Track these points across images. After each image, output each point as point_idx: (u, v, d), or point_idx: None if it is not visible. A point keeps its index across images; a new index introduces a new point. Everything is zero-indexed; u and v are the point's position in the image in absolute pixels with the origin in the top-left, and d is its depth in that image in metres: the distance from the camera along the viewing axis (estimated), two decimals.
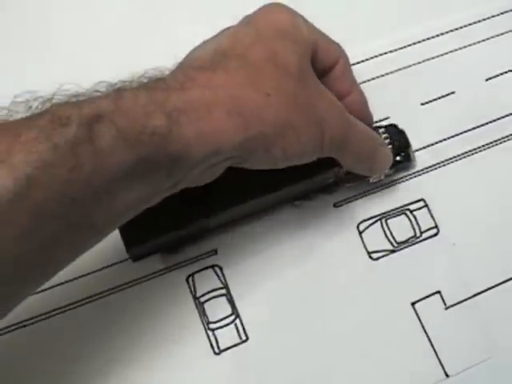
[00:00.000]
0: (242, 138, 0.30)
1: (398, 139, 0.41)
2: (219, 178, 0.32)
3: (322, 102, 0.33)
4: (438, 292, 0.40)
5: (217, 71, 0.30)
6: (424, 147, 0.43)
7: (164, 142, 0.28)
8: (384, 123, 0.42)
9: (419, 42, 0.46)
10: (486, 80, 0.45)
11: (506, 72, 0.45)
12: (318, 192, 0.41)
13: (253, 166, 0.32)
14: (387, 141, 0.41)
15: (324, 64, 0.36)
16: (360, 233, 0.41)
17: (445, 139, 0.43)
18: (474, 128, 0.44)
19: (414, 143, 0.42)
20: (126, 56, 0.36)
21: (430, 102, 0.44)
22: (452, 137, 0.43)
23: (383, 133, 0.41)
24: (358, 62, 0.45)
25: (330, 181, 0.40)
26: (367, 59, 0.45)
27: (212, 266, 0.40)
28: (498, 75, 0.45)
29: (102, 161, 0.26)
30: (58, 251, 0.28)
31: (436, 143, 0.43)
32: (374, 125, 0.41)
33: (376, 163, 0.38)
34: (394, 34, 0.46)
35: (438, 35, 0.46)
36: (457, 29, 0.47)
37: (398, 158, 0.41)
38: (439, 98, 0.44)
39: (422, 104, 0.44)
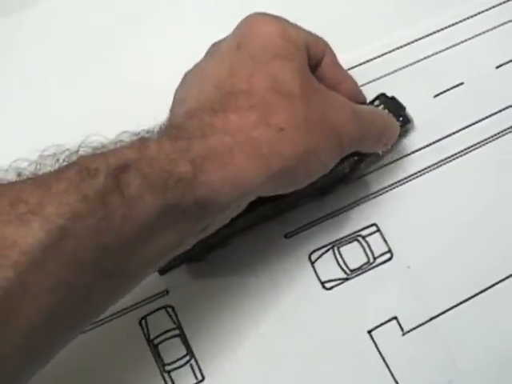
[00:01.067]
0: (265, 176, 0.31)
1: (393, 106, 0.42)
2: None
3: (330, 108, 0.34)
4: (395, 318, 0.39)
5: (229, 114, 0.31)
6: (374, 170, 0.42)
7: (190, 188, 0.29)
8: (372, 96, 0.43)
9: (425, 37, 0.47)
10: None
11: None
12: (337, 184, 0.41)
13: (281, 192, 0.34)
14: (386, 111, 0.41)
15: (315, 59, 0.37)
16: (312, 263, 0.40)
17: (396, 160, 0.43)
18: (418, 149, 0.43)
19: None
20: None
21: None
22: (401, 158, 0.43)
23: (378, 105, 0.41)
24: (365, 62, 0.46)
25: (346, 170, 0.40)
26: (375, 57, 0.46)
27: (164, 307, 0.39)
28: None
29: (130, 209, 0.27)
30: (93, 300, 0.28)
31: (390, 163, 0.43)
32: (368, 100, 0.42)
33: (387, 136, 0.39)
34: (399, 30, 0.47)
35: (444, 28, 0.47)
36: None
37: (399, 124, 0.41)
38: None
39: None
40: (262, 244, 0.41)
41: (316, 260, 0.41)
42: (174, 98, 0.35)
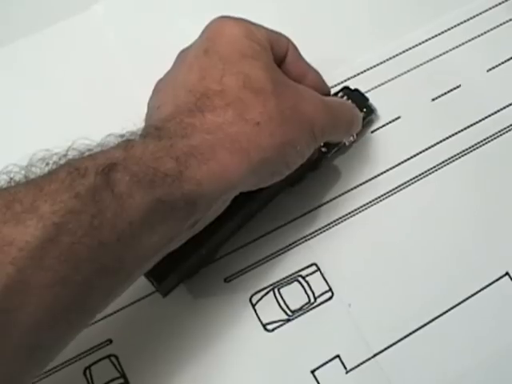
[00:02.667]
0: (247, 169, 0.32)
1: (356, 98, 0.44)
2: None
3: (301, 100, 0.35)
4: (338, 356, 0.39)
5: (206, 113, 0.32)
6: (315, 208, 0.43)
7: (177, 184, 0.30)
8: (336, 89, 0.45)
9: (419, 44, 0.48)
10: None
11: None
12: (307, 171, 0.42)
13: (263, 186, 0.35)
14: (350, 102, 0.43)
15: (279, 55, 0.38)
16: (253, 305, 0.40)
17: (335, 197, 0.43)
18: (351, 189, 0.44)
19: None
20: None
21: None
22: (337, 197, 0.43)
23: (342, 97, 0.44)
24: (362, 72, 0.48)
25: (314, 157, 0.41)
26: (370, 68, 0.48)
27: (108, 356, 0.39)
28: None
29: (121, 205, 0.28)
30: (91, 296, 0.29)
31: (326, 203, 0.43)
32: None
33: (353, 125, 0.41)
34: (395, 39, 0.48)
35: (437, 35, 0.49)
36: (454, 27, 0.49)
37: (363, 115, 0.43)
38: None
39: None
40: (201, 290, 0.41)
41: (257, 302, 0.41)
42: (148, 107, 0.36)
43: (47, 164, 0.29)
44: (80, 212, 0.27)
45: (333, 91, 0.45)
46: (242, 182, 0.33)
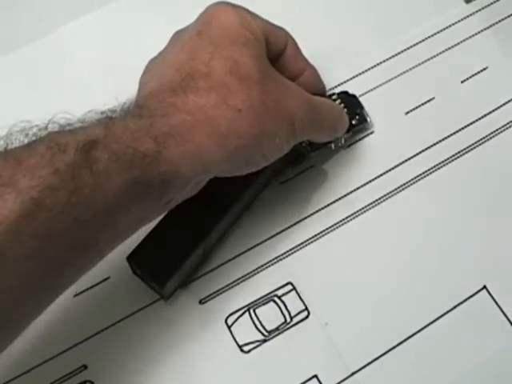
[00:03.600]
0: (223, 153, 0.33)
1: (351, 104, 0.44)
2: (206, 188, 0.36)
3: (285, 95, 0.35)
4: (315, 376, 0.39)
5: (189, 94, 0.33)
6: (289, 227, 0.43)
7: (154, 164, 0.30)
8: (336, 91, 0.45)
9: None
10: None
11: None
12: (288, 166, 0.43)
13: (238, 174, 0.35)
14: (341, 106, 0.43)
15: (276, 48, 0.38)
16: (229, 327, 0.40)
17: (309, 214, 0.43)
18: (325, 206, 0.43)
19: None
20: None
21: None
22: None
23: (336, 99, 0.43)
24: (340, 84, 0.47)
25: (296, 153, 0.41)
26: (345, 81, 0.47)
27: (83, 382, 0.39)
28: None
29: (99, 183, 0.28)
30: (63, 272, 0.29)
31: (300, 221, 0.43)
32: (328, 93, 0.44)
33: (337, 129, 0.41)
34: (367, 53, 0.48)
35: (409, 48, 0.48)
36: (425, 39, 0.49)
37: (353, 122, 0.43)
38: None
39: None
40: (176, 312, 0.40)
41: (233, 323, 0.40)
42: (139, 83, 0.36)
43: (26, 135, 0.29)
44: (58, 188, 0.27)
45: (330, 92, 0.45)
46: (216, 166, 0.33)
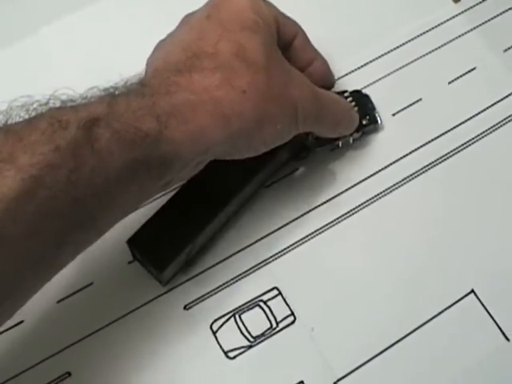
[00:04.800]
0: (225, 135, 0.32)
1: (363, 103, 0.43)
2: (203, 176, 0.36)
3: (291, 83, 0.35)
4: (301, 382, 0.39)
5: (194, 74, 0.32)
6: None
7: (156, 144, 0.30)
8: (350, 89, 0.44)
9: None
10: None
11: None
12: (291, 160, 0.43)
13: (237, 157, 0.35)
14: (352, 104, 0.43)
15: (286, 37, 0.38)
16: (214, 333, 0.40)
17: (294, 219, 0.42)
18: (310, 210, 0.43)
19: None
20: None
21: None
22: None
23: (347, 97, 0.43)
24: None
25: (299, 146, 0.42)
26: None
27: None
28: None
29: (100, 161, 0.28)
30: (62, 249, 0.29)
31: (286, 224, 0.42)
32: (339, 90, 0.44)
33: (344, 126, 0.41)
34: (354, 53, 0.48)
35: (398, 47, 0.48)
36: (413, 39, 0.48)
37: (364, 122, 0.43)
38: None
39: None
40: (161, 317, 0.40)
41: (218, 329, 0.40)
42: (146, 64, 0.36)
43: (27, 111, 0.29)
44: (59, 166, 0.27)
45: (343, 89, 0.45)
46: (217, 147, 0.33)
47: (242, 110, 0.33)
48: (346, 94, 0.43)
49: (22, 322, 0.39)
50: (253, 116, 0.33)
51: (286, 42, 0.39)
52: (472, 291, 0.41)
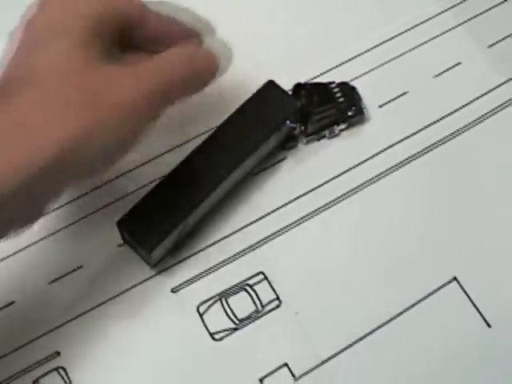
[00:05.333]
0: (43, 162, 0.29)
1: (349, 95, 0.44)
2: (193, 162, 0.39)
3: (108, 85, 0.32)
4: (286, 364, 0.39)
5: (8, 98, 0.30)
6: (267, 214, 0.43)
7: None
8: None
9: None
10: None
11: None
12: (279, 149, 0.44)
13: (77, 181, 0.33)
14: (338, 94, 0.44)
15: (122, 25, 0.35)
16: (201, 315, 0.40)
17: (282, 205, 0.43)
18: (297, 197, 0.44)
19: None
20: None
21: None
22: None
23: (334, 88, 0.44)
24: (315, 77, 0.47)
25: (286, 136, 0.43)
26: (318, 75, 0.47)
27: (56, 369, 0.39)
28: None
29: None
30: None
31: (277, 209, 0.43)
32: (326, 81, 0.45)
33: (203, 78, 0.37)
34: (344, 46, 0.49)
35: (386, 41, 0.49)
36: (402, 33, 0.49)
37: (349, 113, 0.44)
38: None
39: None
40: (148, 300, 0.41)
41: (204, 312, 0.41)
42: None
43: None
44: None
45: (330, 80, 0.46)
46: (45, 177, 0.30)
47: (56, 133, 0.30)
48: (332, 85, 0.44)
49: (13, 302, 0.40)
50: (71, 135, 0.30)
51: (128, 29, 0.35)
52: (454, 278, 0.42)
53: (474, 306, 0.42)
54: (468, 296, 0.42)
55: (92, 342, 0.40)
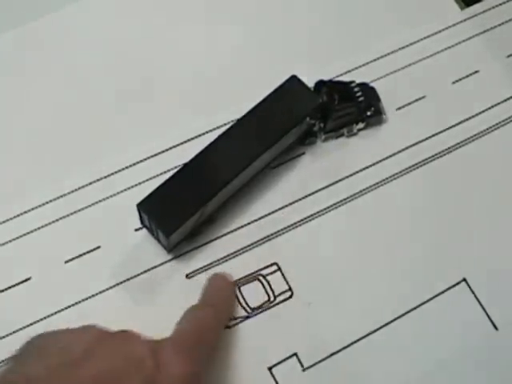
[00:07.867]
0: None
1: (369, 95, 0.45)
2: (214, 151, 0.40)
3: None
4: (295, 354, 0.40)
5: None
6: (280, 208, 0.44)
7: None
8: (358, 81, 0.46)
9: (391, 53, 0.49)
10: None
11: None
12: (298, 144, 0.45)
13: None
14: (359, 94, 0.45)
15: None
16: None
17: (298, 199, 0.44)
18: (313, 192, 0.45)
19: None
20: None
21: None
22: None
23: (354, 87, 0.45)
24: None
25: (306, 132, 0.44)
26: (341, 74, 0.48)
27: None
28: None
29: None
30: None
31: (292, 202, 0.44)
32: (347, 80, 0.45)
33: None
34: (364, 49, 0.49)
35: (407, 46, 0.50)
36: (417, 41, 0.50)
37: (368, 113, 0.45)
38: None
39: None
40: (162, 285, 0.41)
41: None
42: None
43: None
44: None
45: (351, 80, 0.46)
46: None
47: None
48: (352, 85, 0.45)
49: (29, 278, 0.40)
50: None
51: None
52: (464, 280, 0.42)
53: (482, 307, 0.42)
54: (476, 298, 0.42)
55: (105, 324, 0.40)
